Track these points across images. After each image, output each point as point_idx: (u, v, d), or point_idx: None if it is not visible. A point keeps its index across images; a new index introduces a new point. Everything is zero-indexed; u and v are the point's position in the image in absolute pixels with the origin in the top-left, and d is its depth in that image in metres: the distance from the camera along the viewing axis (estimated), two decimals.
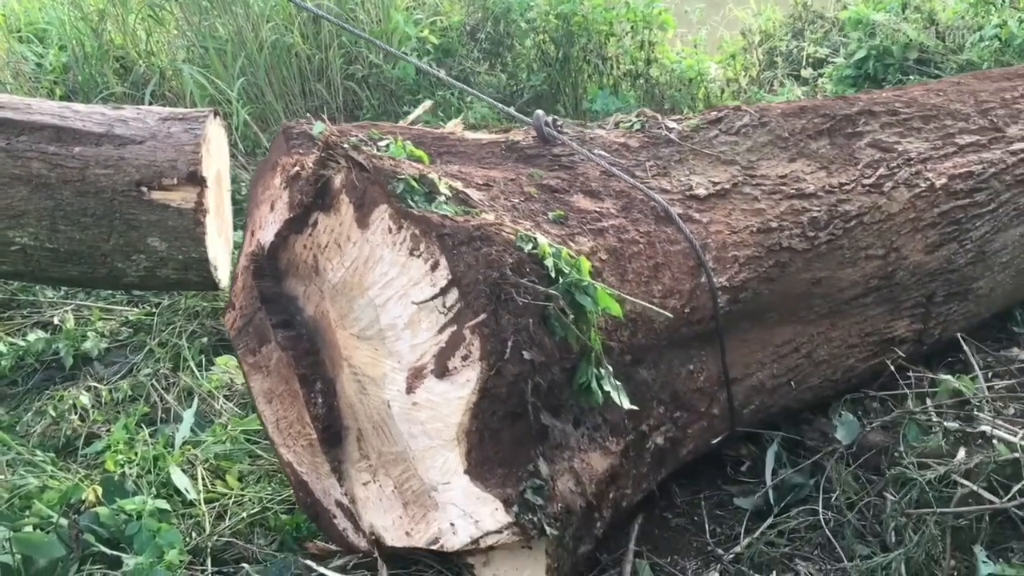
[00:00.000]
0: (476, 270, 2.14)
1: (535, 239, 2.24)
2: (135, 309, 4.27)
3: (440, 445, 2.25)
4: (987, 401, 2.81)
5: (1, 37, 5.85)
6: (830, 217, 2.94)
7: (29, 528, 2.63)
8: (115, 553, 2.54)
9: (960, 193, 3.25)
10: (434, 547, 2.33)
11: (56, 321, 4.16)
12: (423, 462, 2.30)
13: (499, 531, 2.19)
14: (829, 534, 2.58)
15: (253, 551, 2.64)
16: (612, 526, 2.47)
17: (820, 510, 2.65)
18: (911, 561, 2.38)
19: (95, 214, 3.42)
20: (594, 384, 2.23)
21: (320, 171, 2.41)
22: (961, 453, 2.58)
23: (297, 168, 2.49)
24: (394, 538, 2.42)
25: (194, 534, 2.70)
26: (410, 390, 2.27)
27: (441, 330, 2.20)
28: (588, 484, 2.29)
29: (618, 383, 2.29)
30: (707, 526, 2.74)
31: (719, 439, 2.79)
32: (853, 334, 3.06)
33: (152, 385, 3.63)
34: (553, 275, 2.20)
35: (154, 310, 4.17)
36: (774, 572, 2.52)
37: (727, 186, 2.85)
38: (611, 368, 2.29)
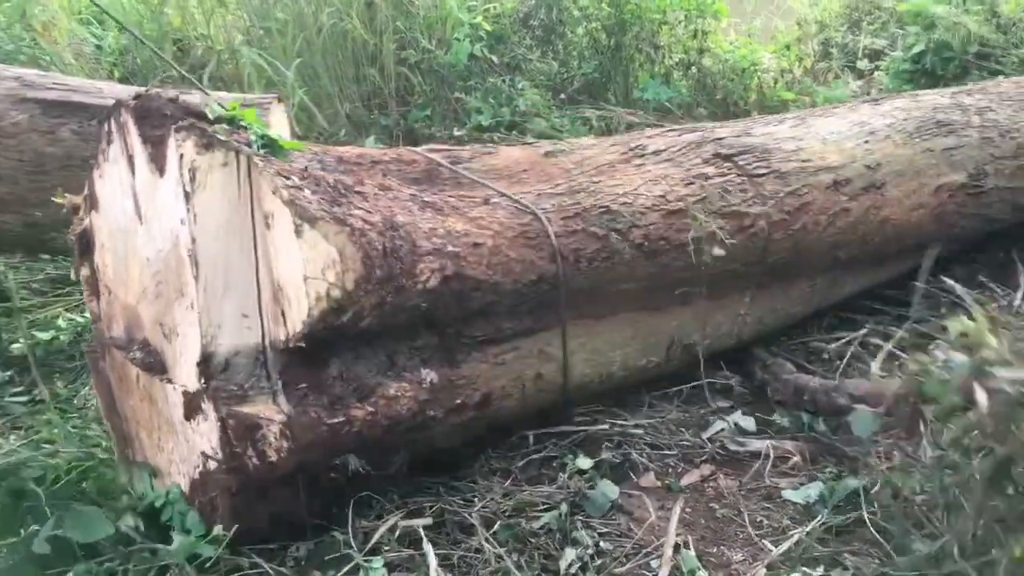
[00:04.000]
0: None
1: None
2: None
3: None
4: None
5: (64, 19, 5.95)
6: None
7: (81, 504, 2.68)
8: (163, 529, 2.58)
9: None
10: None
11: None
12: (164, 219, 2.46)
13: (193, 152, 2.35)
14: (874, 530, 2.56)
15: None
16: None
17: (863, 503, 2.63)
18: (964, 545, 2.33)
19: None
20: (266, 132, 2.49)
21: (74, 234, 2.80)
22: None
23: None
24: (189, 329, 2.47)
25: None
26: (140, 215, 2.54)
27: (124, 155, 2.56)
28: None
29: None
30: (754, 518, 2.74)
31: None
32: None
33: None
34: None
35: None
36: (821, 567, 2.51)
37: None
38: None
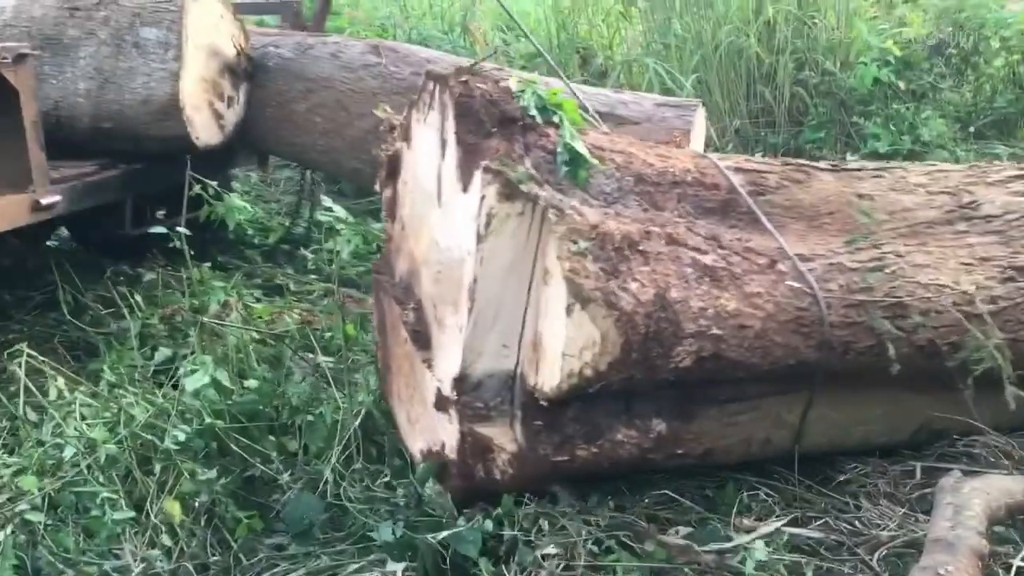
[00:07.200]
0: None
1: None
2: None
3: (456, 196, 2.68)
4: None
5: (488, 27, 6.71)
6: None
7: None
8: None
9: None
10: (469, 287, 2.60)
11: None
12: (457, 231, 2.67)
13: (494, 199, 2.53)
14: None
15: None
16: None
17: None
18: None
19: None
20: (572, 145, 2.64)
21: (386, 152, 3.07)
22: None
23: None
24: (454, 343, 2.67)
25: None
26: (440, 198, 2.76)
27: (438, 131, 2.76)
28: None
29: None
30: None
31: None
32: None
33: None
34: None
35: None
36: None
37: None
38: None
